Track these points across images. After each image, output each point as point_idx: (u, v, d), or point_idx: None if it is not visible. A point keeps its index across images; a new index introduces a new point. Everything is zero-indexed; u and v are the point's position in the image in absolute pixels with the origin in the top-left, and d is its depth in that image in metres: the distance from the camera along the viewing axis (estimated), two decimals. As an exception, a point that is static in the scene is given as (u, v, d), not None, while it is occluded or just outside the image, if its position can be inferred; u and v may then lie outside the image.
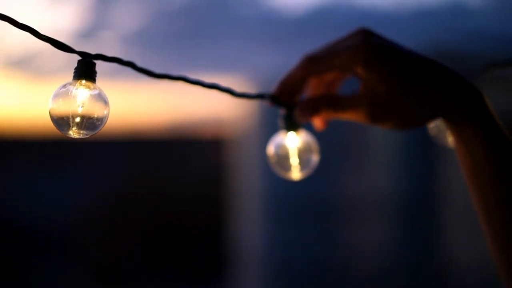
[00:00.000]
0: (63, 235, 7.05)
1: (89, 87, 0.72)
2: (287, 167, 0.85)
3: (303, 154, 0.85)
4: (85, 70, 0.72)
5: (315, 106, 0.82)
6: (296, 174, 0.85)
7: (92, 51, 0.73)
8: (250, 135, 5.40)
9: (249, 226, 5.30)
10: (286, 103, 0.84)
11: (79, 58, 0.73)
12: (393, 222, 5.06)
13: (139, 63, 0.76)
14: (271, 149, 0.85)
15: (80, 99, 0.71)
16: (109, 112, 0.73)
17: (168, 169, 7.44)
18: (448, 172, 4.90)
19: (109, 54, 0.75)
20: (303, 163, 0.85)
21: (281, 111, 0.86)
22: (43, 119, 7.65)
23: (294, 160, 0.85)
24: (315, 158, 0.86)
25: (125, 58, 0.75)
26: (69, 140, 8.01)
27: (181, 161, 7.51)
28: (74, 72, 0.72)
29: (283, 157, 0.85)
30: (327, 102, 0.82)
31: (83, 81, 0.72)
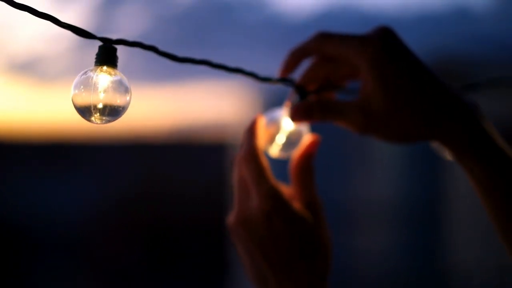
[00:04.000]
0: (68, 237, 7.06)
1: (110, 73, 0.71)
2: (271, 141, 0.85)
3: (291, 138, 0.85)
4: (106, 56, 0.71)
5: (308, 111, 0.81)
6: (275, 152, 0.85)
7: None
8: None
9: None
10: (303, 90, 0.83)
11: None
12: (398, 226, 5.06)
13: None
14: (263, 119, 0.85)
15: (102, 86, 0.70)
16: (131, 98, 0.72)
17: (171, 173, 7.45)
18: (452, 177, 4.90)
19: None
20: (287, 146, 0.85)
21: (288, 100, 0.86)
22: (47, 122, 7.67)
23: (281, 139, 0.84)
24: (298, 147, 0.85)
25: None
26: (73, 143, 8.00)
27: (185, 165, 7.52)
28: (95, 58, 0.71)
29: (272, 131, 0.85)
30: (320, 107, 0.80)
31: (104, 67, 0.71)
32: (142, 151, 7.67)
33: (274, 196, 0.79)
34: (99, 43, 0.72)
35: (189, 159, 7.57)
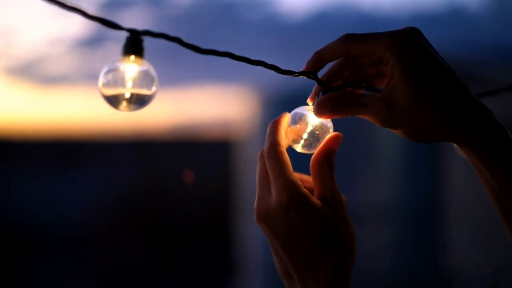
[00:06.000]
0: (72, 235, 7.05)
1: (137, 63, 0.73)
2: (297, 138, 0.86)
3: (316, 134, 0.85)
4: (134, 46, 0.73)
5: (333, 104, 0.81)
6: (300, 148, 0.86)
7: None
8: (256, 138, 5.41)
9: (256, 229, 5.30)
10: (326, 84, 0.84)
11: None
12: (398, 227, 5.07)
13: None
14: (287, 116, 0.86)
15: (129, 75, 0.72)
16: (157, 87, 0.74)
17: (175, 171, 7.44)
18: (452, 179, 4.91)
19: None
20: (312, 142, 0.85)
21: (311, 100, 0.87)
22: (51, 121, 7.66)
23: (306, 135, 0.85)
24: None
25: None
26: (77, 142, 7.97)
27: (188, 163, 7.51)
28: (123, 49, 0.73)
29: (297, 128, 0.86)
30: (346, 100, 0.81)
31: (132, 57, 0.73)
32: (147, 150, 7.66)
33: (292, 190, 0.79)
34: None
35: (193, 157, 7.56)
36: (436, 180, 5.08)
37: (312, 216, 0.79)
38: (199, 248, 7.03)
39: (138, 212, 7.14)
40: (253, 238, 5.33)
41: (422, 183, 5.14)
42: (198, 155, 7.50)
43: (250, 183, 5.68)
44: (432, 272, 4.97)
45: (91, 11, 0.72)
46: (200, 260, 6.87)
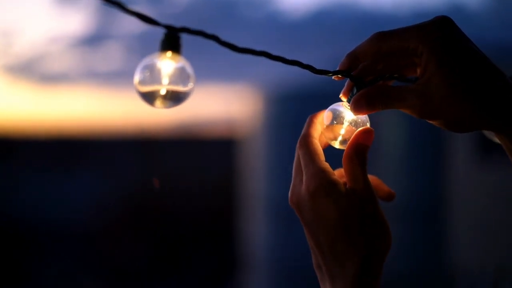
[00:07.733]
0: (72, 234, 7.06)
1: (174, 60, 0.73)
2: (335, 134, 0.86)
3: (352, 130, 0.86)
4: (170, 42, 0.73)
5: (369, 100, 0.81)
6: (338, 144, 0.87)
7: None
8: (259, 135, 5.42)
9: (260, 227, 5.30)
10: (361, 80, 0.84)
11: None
12: (401, 226, 5.08)
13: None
14: (325, 112, 0.86)
15: (166, 71, 0.72)
16: (194, 84, 0.74)
17: (178, 169, 7.45)
18: (456, 178, 4.91)
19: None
20: (347, 138, 0.86)
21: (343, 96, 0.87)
22: (51, 119, 7.66)
23: (343, 131, 0.86)
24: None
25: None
26: (79, 141, 8.00)
27: (191, 161, 7.52)
28: (160, 45, 0.73)
29: (335, 125, 0.86)
30: (382, 94, 0.80)
31: (169, 54, 0.72)
32: (149, 148, 7.67)
33: (320, 176, 0.79)
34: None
35: (197, 156, 7.57)
36: (440, 179, 5.09)
37: (340, 203, 0.79)
38: (202, 247, 7.03)
39: (141, 211, 7.15)
40: (256, 236, 5.33)
41: (425, 182, 5.15)
42: (201, 153, 7.50)
43: (252, 182, 5.70)
44: (435, 270, 4.98)
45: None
46: (202, 259, 6.88)
